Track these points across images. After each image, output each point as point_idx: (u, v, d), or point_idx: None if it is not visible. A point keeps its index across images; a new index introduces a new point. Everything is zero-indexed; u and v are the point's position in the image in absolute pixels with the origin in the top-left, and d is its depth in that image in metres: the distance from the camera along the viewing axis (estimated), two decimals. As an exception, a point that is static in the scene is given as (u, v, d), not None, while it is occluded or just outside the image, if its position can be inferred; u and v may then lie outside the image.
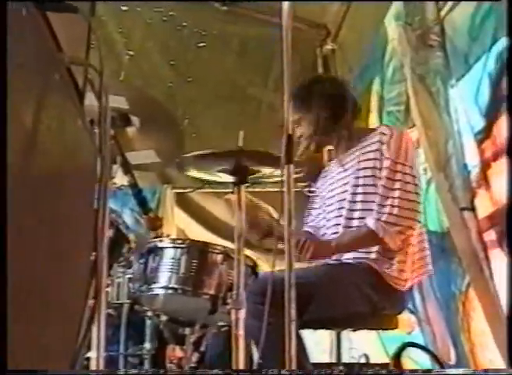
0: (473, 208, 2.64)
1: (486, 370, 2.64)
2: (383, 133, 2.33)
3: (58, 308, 1.16)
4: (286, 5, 1.73)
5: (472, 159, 2.65)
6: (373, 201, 2.29)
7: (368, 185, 2.33)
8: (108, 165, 1.22)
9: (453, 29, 2.85)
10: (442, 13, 2.93)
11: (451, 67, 2.85)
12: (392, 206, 2.22)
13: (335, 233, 2.41)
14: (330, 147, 2.61)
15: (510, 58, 2.22)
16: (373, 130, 2.44)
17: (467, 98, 2.71)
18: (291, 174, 1.65)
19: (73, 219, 1.21)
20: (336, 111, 2.43)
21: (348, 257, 2.34)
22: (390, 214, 2.21)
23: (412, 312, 3.26)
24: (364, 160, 2.35)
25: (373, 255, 2.27)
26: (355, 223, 2.35)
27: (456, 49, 2.82)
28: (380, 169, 2.29)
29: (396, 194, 2.23)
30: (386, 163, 2.28)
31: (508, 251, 2.05)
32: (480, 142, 2.59)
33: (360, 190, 2.34)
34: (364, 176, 2.34)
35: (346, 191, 2.41)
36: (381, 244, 2.24)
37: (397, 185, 2.24)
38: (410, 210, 2.23)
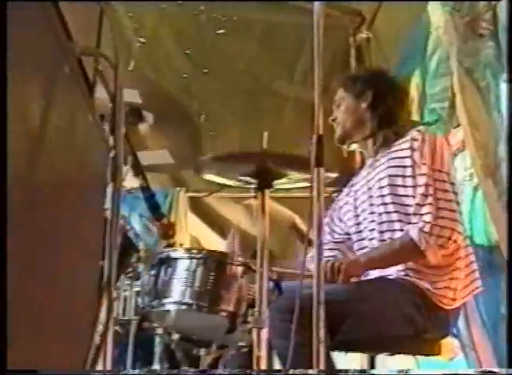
0: (526, 220, 2.63)
1: (487, 370, 2.63)
2: (414, 139, 2.36)
3: (62, 317, 1.19)
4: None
5: (526, 164, 2.64)
6: (404, 213, 2.31)
7: (398, 195, 2.34)
8: (121, 165, 1.24)
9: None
10: (495, -2, 2.93)
11: (504, 59, 2.84)
12: (434, 216, 2.22)
13: (364, 248, 2.46)
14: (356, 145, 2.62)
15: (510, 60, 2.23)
16: (403, 135, 2.45)
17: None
18: (321, 178, 1.67)
19: (82, 225, 1.24)
20: (378, 106, 2.49)
21: (386, 272, 2.35)
22: (433, 224, 2.21)
23: (455, 335, 3.24)
24: (393, 166, 2.38)
25: (415, 270, 2.27)
26: (387, 235, 2.36)
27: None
28: (411, 177, 2.32)
29: (439, 203, 2.24)
30: (423, 170, 2.29)
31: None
32: (535, 145, 2.58)
33: (388, 200, 2.36)
34: (394, 185, 2.36)
35: (373, 203, 2.44)
36: (420, 259, 2.24)
37: (438, 194, 2.26)
38: (452, 220, 2.23)
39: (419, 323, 2.24)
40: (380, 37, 4.79)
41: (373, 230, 2.42)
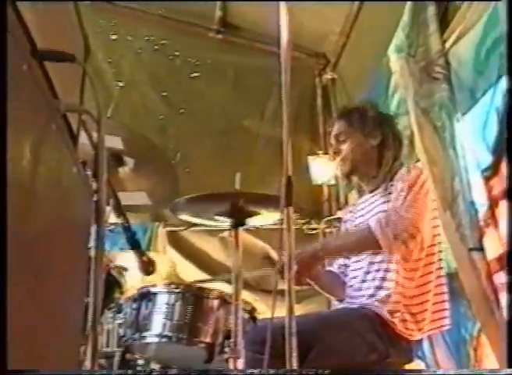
0: (482, 249, 2.69)
1: (486, 370, 2.65)
2: (401, 174, 2.36)
3: (50, 352, 1.21)
4: (284, 34, 1.78)
5: (480, 197, 2.71)
6: None
7: None
8: (104, 208, 1.28)
9: (458, 61, 2.93)
10: (447, 45, 3.01)
11: (457, 101, 2.92)
12: (400, 216, 2.20)
13: (355, 277, 2.44)
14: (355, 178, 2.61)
15: (510, 65, 2.29)
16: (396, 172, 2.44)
17: (473, 133, 2.78)
18: (291, 217, 1.70)
19: (70, 266, 1.27)
20: (386, 145, 2.49)
21: (352, 302, 2.38)
22: (394, 221, 2.19)
23: (420, 357, 3.27)
24: (386, 202, 2.37)
25: (380, 300, 2.30)
26: (375, 267, 2.37)
27: (462, 82, 2.90)
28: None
29: (404, 210, 2.22)
30: (401, 186, 2.29)
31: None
32: (487, 179, 2.65)
33: None
34: None
35: None
36: (375, 248, 2.22)
37: (410, 203, 2.23)
38: (418, 221, 2.21)
39: (381, 350, 2.23)
40: (344, 78, 4.90)
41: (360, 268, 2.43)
